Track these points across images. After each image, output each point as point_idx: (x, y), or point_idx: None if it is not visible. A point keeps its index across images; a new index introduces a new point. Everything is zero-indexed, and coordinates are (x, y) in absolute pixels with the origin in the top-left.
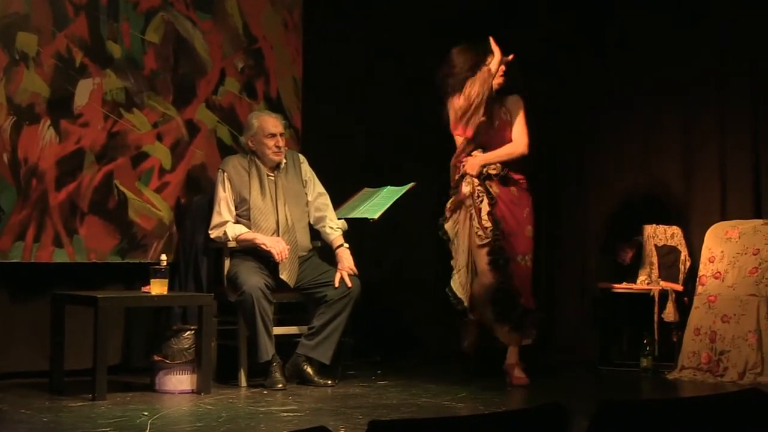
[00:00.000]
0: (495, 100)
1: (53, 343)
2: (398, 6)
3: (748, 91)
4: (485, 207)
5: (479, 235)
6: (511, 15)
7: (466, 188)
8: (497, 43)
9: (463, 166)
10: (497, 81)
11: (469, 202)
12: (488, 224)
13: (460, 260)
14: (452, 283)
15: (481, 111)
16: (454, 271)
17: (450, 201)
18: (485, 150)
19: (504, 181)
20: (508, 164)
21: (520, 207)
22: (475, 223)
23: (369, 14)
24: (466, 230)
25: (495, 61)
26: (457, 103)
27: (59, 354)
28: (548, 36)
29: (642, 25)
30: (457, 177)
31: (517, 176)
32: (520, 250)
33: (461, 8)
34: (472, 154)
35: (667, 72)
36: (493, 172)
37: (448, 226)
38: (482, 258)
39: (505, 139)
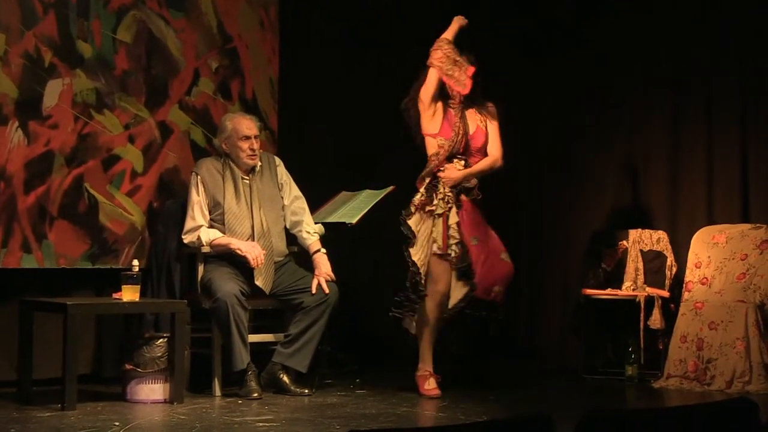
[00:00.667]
0: (471, 106)
1: (21, 352)
2: (376, 5)
3: (736, 93)
4: (453, 217)
5: (439, 245)
6: (493, 13)
7: (436, 200)
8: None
9: (441, 170)
10: (467, 86)
11: (437, 208)
12: (455, 234)
13: (420, 254)
14: (413, 256)
15: (456, 74)
16: (413, 251)
17: (417, 199)
18: (463, 157)
19: (470, 192)
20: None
21: (477, 214)
22: (438, 229)
23: (347, 13)
24: (425, 233)
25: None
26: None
27: (27, 363)
28: (532, 37)
29: (630, 27)
30: (428, 180)
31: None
32: (499, 248)
33: (442, 8)
34: (453, 161)
35: (654, 74)
36: (469, 185)
37: (412, 221)
38: (437, 265)
39: (480, 148)
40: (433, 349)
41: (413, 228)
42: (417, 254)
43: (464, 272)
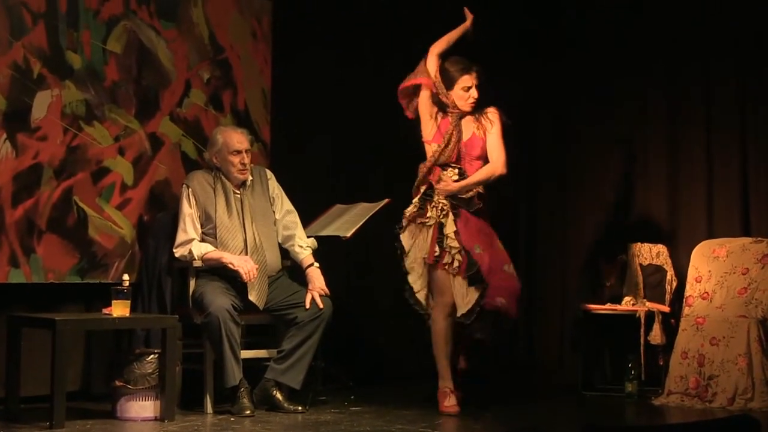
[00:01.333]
0: (470, 113)
1: (9, 368)
2: (370, 15)
3: (735, 105)
4: (450, 226)
5: (425, 253)
6: (487, 25)
7: (430, 212)
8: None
9: (436, 183)
10: (473, 98)
11: (429, 220)
12: (455, 244)
13: (416, 270)
14: (409, 276)
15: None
16: (410, 278)
17: (409, 211)
18: (457, 166)
19: (471, 204)
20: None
21: (483, 223)
22: (427, 239)
23: (341, 24)
24: (421, 245)
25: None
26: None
27: (15, 379)
28: (527, 50)
29: (627, 39)
30: (423, 188)
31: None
32: (502, 260)
33: (436, 18)
34: (447, 171)
35: (653, 86)
36: (463, 197)
37: (404, 237)
38: (440, 276)
39: (479, 156)
40: (451, 364)
41: (405, 241)
42: (412, 270)
43: (474, 278)
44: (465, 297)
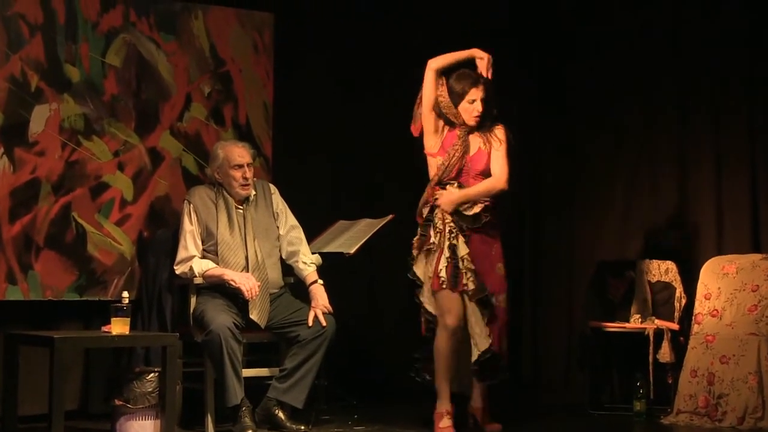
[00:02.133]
0: (476, 128)
1: (6, 387)
2: (372, 28)
3: (744, 120)
4: (463, 247)
5: (458, 277)
6: (492, 38)
7: (434, 237)
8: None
9: (436, 199)
10: (477, 111)
11: (433, 246)
12: (470, 266)
13: (426, 295)
14: (426, 304)
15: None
16: (424, 298)
17: (416, 241)
18: (459, 182)
19: (477, 220)
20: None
21: (488, 245)
22: (441, 262)
23: (344, 35)
24: (428, 271)
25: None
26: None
27: (13, 398)
28: (534, 62)
29: (634, 52)
30: (426, 212)
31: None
32: (497, 290)
33: (438, 32)
34: (447, 188)
35: (660, 100)
36: (469, 213)
37: (418, 266)
38: (445, 297)
39: (482, 171)
40: (450, 386)
41: (420, 273)
42: (428, 299)
43: (483, 302)
44: (483, 328)
